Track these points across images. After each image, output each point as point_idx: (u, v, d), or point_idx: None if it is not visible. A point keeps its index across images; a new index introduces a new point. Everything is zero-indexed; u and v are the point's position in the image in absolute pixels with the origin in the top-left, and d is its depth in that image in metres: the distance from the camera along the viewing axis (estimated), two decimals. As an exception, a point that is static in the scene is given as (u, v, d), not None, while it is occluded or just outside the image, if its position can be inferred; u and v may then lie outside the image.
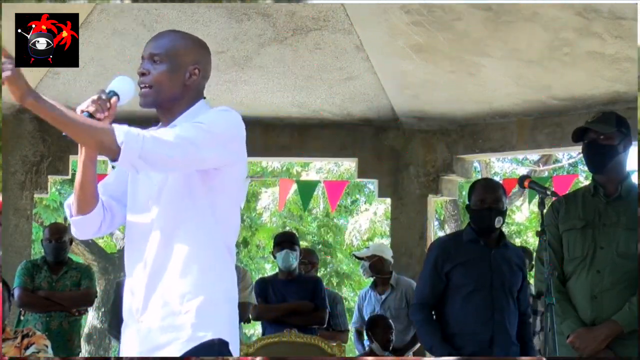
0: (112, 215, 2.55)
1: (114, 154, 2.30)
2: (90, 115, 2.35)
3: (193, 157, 2.34)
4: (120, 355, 2.49)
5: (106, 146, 2.29)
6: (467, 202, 4.34)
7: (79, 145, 2.41)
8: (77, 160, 2.48)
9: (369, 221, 14.78)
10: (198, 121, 2.41)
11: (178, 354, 2.37)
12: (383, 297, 6.38)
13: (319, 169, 14.10)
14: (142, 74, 2.58)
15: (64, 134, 2.31)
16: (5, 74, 2.18)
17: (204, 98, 2.59)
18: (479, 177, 12.68)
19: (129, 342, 2.45)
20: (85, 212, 2.49)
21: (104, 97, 2.43)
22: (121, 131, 2.29)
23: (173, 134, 2.35)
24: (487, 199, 4.15)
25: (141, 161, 2.30)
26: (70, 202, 2.51)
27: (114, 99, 2.46)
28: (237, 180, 2.50)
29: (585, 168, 15.46)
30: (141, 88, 2.57)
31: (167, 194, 2.43)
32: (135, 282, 2.45)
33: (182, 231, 2.41)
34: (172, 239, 2.41)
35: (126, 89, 2.51)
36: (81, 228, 2.53)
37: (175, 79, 2.57)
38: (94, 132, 2.31)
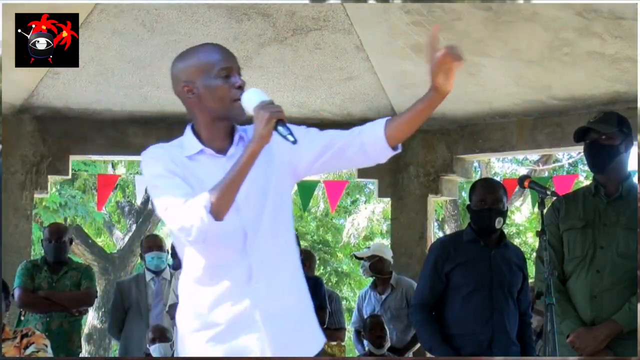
0: None
1: None
2: (283, 123, 2.32)
3: None
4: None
5: None
6: (467, 203, 4.34)
7: (256, 147, 2.33)
8: (248, 154, 2.32)
9: (366, 220, 14.79)
10: None
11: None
12: (383, 297, 6.38)
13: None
14: (240, 87, 2.46)
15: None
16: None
17: None
18: (479, 177, 12.68)
19: (245, 347, 2.42)
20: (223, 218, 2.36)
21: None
22: None
23: None
24: (488, 200, 4.15)
25: None
26: (209, 204, 2.31)
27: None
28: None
29: (586, 168, 15.51)
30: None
31: (271, 199, 2.47)
32: (245, 286, 2.42)
33: (286, 235, 2.51)
34: (280, 243, 2.48)
35: (265, 96, 2.41)
36: (212, 234, 2.36)
37: None
38: None
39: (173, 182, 2.40)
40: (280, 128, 2.31)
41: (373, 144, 2.47)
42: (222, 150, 2.49)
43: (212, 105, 2.47)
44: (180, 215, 2.33)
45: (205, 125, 2.52)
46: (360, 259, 6.65)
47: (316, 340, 2.52)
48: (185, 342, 2.52)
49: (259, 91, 2.40)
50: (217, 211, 2.30)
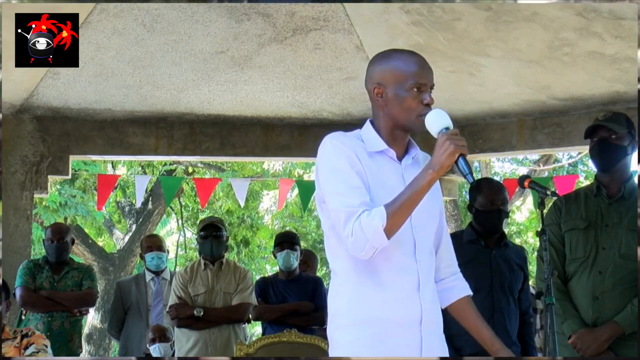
0: None
1: None
2: (465, 158, 2.40)
3: None
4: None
5: None
6: (469, 203, 4.31)
7: (441, 167, 2.42)
8: (427, 181, 2.41)
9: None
10: None
11: None
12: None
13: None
14: (428, 104, 2.56)
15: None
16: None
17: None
18: (479, 177, 12.66)
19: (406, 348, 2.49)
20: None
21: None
22: None
23: None
24: (497, 200, 4.15)
25: None
26: (385, 222, 2.37)
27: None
28: None
29: (585, 168, 15.49)
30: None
31: (437, 219, 2.66)
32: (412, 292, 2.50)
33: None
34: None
35: (449, 121, 2.49)
36: (378, 249, 2.43)
37: None
38: None
39: (352, 182, 2.45)
40: (461, 163, 2.38)
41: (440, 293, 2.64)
42: (399, 157, 2.58)
43: (397, 114, 2.55)
44: (355, 229, 2.38)
45: (386, 128, 2.59)
46: None
47: (445, 349, 2.60)
48: (351, 333, 2.50)
49: (444, 114, 2.47)
50: (390, 231, 2.37)
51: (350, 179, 2.45)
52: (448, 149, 2.37)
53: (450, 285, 2.70)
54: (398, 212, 2.37)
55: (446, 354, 2.57)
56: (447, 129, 2.44)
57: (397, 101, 2.53)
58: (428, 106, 2.50)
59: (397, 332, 2.46)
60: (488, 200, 4.16)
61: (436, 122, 2.45)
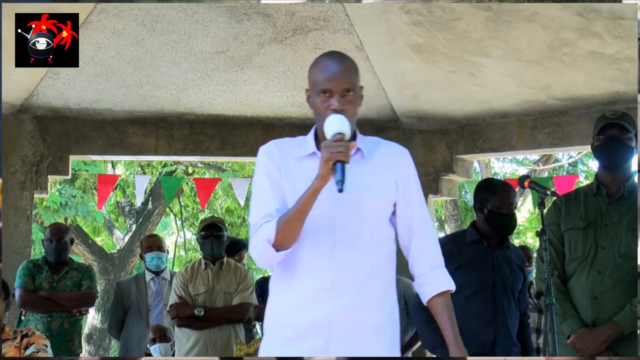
0: None
1: None
2: (343, 165, 2.35)
3: None
4: None
5: None
6: (480, 203, 4.22)
7: (314, 188, 2.39)
8: (310, 191, 2.40)
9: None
10: None
11: None
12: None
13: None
14: (335, 110, 2.53)
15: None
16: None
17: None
18: (479, 177, 12.66)
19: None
20: (293, 244, 2.46)
21: (349, 144, 2.41)
22: None
23: None
24: (513, 203, 4.14)
25: None
26: (274, 238, 2.42)
27: (353, 142, 2.46)
28: None
29: (585, 168, 15.46)
30: None
31: (374, 218, 2.55)
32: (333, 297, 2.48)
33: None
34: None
35: (347, 128, 2.45)
36: (279, 259, 2.48)
37: None
38: None
39: (263, 196, 2.52)
40: (336, 170, 2.34)
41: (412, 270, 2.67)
42: None
43: (315, 118, 2.58)
44: (252, 241, 2.48)
45: (319, 130, 2.59)
46: None
47: (387, 350, 2.53)
48: (266, 335, 2.57)
49: (340, 120, 2.44)
50: (280, 244, 2.43)
51: (262, 192, 2.53)
52: (323, 157, 2.37)
53: (424, 281, 2.70)
54: (287, 224, 2.41)
55: (387, 354, 2.51)
56: (340, 134, 2.41)
57: (313, 106, 2.58)
58: (335, 111, 2.49)
59: (305, 335, 2.47)
60: (504, 202, 4.11)
61: (330, 128, 2.44)
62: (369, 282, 2.53)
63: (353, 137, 2.52)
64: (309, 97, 2.62)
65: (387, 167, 2.57)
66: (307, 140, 2.61)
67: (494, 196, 4.15)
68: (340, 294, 2.46)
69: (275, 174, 2.53)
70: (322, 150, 2.39)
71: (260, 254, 2.46)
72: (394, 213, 2.60)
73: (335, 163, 2.34)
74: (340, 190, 2.33)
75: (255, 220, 2.48)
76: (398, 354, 2.58)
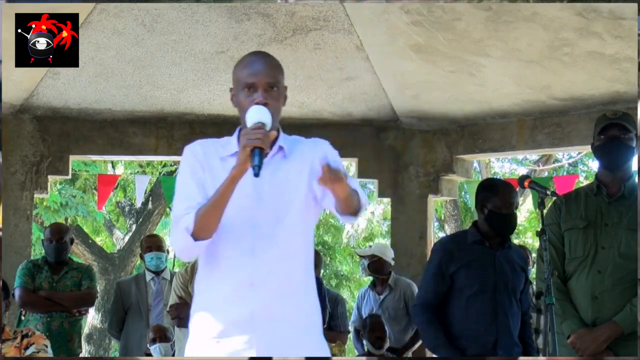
0: None
1: (357, 210, 2.46)
2: (262, 150, 2.36)
3: None
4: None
5: (358, 205, 2.47)
6: (481, 203, 4.22)
7: (232, 176, 2.41)
8: (228, 179, 2.42)
9: (366, 221, 14.76)
10: None
11: None
12: (382, 297, 6.38)
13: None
14: (259, 103, 2.54)
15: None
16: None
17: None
18: (479, 177, 12.66)
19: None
20: (211, 236, 2.48)
21: (267, 132, 2.41)
22: (360, 190, 2.48)
23: None
24: (514, 203, 4.13)
25: None
26: (192, 227, 2.45)
27: (272, 132, 2.46)
28: None
29: (585, 168, 15.43)
30: None
31: (293, 214, 2.53)
32: (247, 295, 2.49)
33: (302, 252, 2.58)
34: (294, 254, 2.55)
35: (268, 119, 2.47)
36: (198, 250, 2.52)
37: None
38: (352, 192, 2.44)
39: (186, 191, 2.54)
40: (253, 156, 2.35)
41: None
42: None
43: (240, 115, 2.57)
44: (172, 231, 2.52)
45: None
46: (361, 256, 6.65)
47: (313, 352, 2.54)
48: (192, 335, 2.58)
49: (260, 111, 2.46)
50: (199, 234, 2.45)
51: (185, 188, 2.55)
52: (241, 144, 2.39)
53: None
54: (205, 213, 2.44)
55: (316, 353, 2.52)
56: (261, 123, 2.43)
57: (237, 103, 2.59)
58: (259, 104, 2.51)
59: (229, 332, 2.49)
60: (505, 203, 4.11)
61: (251, 118, 2.46)
62: (290, 275, 2.54)
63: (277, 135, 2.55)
64: (232, 96, 2.62)
65: (305, 161, 2.59)
66: (232, 141, 2.63)
67: (494, 196, 4.14)
68: (262, 289, 2.49)
69: (200, 172, 2.56)
70: (240, 138, 2.42)
71: (179, 243, 2.48)
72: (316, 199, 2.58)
73: (253, 150, 2.36)
74: (256, 175, 2.35)
75: (177, 212, 2.51)
76: (324, 341, 2.60)
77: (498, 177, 14.93)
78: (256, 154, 2.35)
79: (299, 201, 2.56)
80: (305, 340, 2.54)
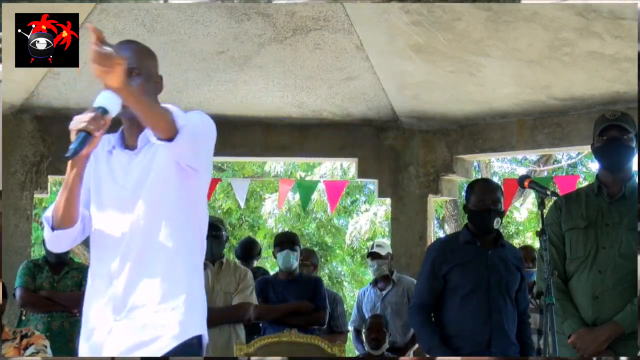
0: (85, 225, 2.62)
1: (171, 134, 2.43)
2: (88, 134, 2.35)
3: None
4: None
5: (167, 126, 2.44)
6: (464, 203, 4.35)
7: (71, 161, 2.43)
8: (69, 165, 2.48)
9: (369, 222, 14.74)
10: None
11: (162, 351, 2.50)
12: (384, 292, 6.38)
13: (323, 174, 13.85)
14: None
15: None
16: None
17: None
18: (479, 177, 12.67)
19: (100, 344, 2.57)
20: (70, 225, 2.55)
21: (99, 115, 2.39)
22: (180, 115, 2.50)
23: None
24: (487, 200, 4.17)
25: (194, 144, 2.49)
26: (50, 215, 2.55)
27: (108, 116, 2.41)
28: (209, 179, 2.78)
29: (585, 169, 15.43)
30: None
31: (146, 197, 2.53)
32: (109, 284, 2.54)
33: (164, 232, 2.53)
34: (155, 240, 2.53)
35: (113, 105, 2.43)
36: (61, 241, 2.60)
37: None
38: (162, 111, 2.49)
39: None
40: (76, 138, 2.33)
41: None
42: (131, 147, 2.62)
43: None
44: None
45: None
46: (381, 257, 6.44)
47: (165, 337, 2.53)
48: (80, 341, 2.70)
49: (104, 96, 2.41)
50: (55, 222, 2.54)
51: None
52: (71, 127, 2.37)
53: None
54: (57, 203, 2.53)
55: (162, 346, 2.50)
56: (101, 108, 2.39)
57: None
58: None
59: (95, 326, 2.61)
60: (479, 200, 4.19)
61: (96, 103, 2.42)
62: (149, 261, 2.54)
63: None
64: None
65: (158, 154, 2.59)
66: (116, 135, 2.66)
67: (471, 195, 4.25)
68: (121, 277, 2.52)
69: (89, 168, 2.57)
70: (72, 121, 2.40)
71: (44, 233, 2.60)
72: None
73: (80, 132, 2.35)
74: (68, 158, 2.35)
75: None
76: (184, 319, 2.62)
77: (498, 177, 14.93)
78: (80, 137, 2.33)
79: (156, 194, 2.58)
80: (160, 318, 2.55)
